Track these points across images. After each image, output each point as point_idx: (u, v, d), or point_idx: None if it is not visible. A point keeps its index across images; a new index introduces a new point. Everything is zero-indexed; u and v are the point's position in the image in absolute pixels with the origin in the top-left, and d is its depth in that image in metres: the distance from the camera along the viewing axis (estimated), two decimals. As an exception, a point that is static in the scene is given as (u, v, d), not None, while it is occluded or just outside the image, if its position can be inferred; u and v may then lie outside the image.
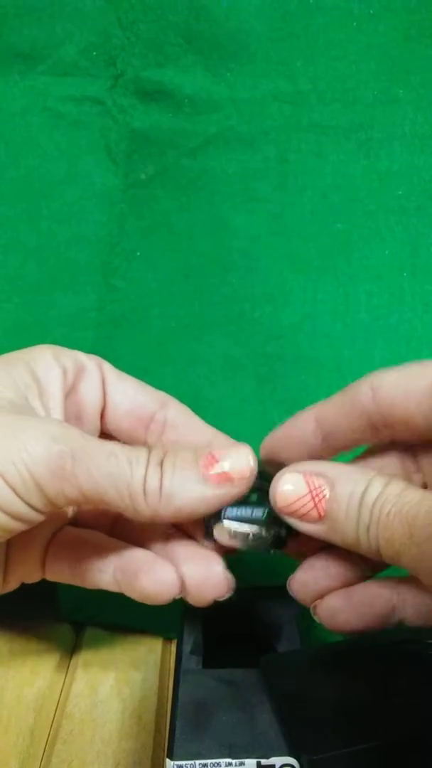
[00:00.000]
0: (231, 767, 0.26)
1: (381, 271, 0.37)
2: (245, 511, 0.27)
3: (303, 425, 0.27)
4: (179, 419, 0.29)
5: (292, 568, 0.38)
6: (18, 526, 0.25)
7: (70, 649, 0.41)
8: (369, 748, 0.25)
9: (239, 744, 0.26)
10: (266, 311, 0.38)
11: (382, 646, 0.30)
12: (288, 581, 0.28)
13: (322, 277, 0.38)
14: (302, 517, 0.25)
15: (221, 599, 0.27)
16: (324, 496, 0.24)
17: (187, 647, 0.32)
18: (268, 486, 0.26)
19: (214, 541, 0.28)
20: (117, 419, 0.29)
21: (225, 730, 0.27)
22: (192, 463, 0.25)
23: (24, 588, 0.39)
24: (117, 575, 0.28)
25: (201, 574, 0.27)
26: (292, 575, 0.28)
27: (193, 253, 0.39)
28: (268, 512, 0.27)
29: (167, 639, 0.41)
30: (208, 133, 0.37)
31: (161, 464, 0.25)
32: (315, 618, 0.27)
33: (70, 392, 0.28)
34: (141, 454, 0.25)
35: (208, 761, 0.26)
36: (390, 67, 0.36)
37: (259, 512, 0.27)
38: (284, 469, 0.25)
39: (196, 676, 0.30)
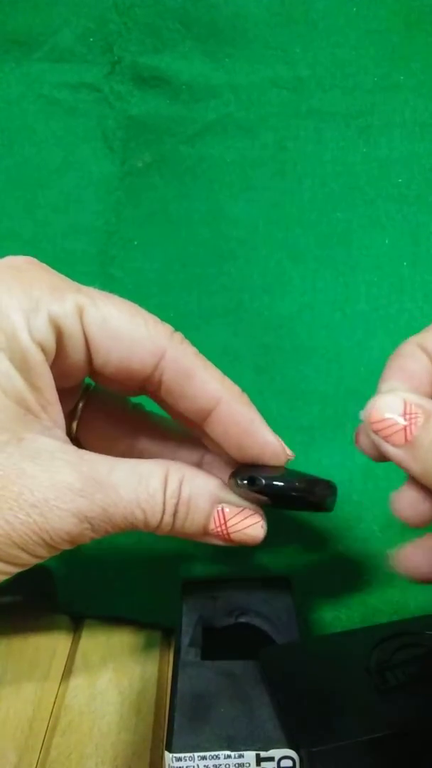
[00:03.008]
0: (230, 760, 0.26)
1: (381, 260, 0.37)
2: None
3: (411, 356, 0.26)
4: (176, 384, 0.28)
5: (291, 562, 0.38)
6: (16, 570, 0.26)
7: (69, 641, 0.41)
8: (368, 740, 0.25)
9: (238, 736, 0.26)
10: (265, 301, 0.38)
11: (380, 638, 0.30)
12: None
13: (321, 267, 0.37)
14: (387, 438, 0.24)
15: None
16: (416, 423, 0.24)
17: (185, 639, 0.32)
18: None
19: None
20: (106, 377, 0.28)
21: (224, 723, 0.27)
22: (203, 516, 0.27)
23: (22, 580, 0.39)
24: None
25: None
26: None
27: (191, 242, 0.38)
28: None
29: (166, 631, 0.41)
30: (206, 120, 0.37)
31: (175, 514, 0.26)
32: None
33: (53, 362, 0.26)
34: (157, 503, 0.26)
35: (207, 754, 0.26)
36: (390, 52, 0.35)
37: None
38: (383, 392, 0.25)
39: (194, 668, 0.30)
